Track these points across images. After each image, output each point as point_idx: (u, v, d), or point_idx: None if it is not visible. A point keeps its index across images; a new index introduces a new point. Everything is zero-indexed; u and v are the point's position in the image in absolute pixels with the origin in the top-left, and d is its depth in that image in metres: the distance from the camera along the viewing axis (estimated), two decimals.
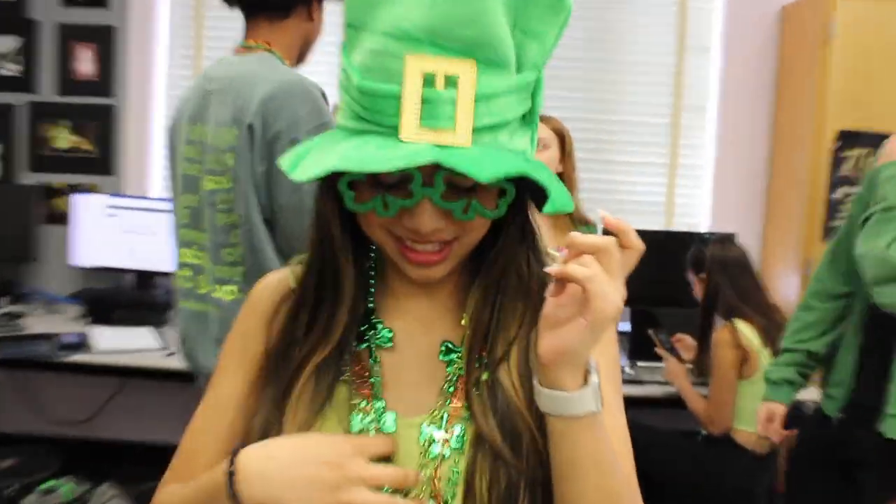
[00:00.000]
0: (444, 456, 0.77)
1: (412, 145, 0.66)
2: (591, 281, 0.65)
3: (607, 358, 0.83)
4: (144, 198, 3.15)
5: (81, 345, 2.61)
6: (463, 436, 0.77)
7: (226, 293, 1.61)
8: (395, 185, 0.71)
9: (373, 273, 0.84)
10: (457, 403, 0.78)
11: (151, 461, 2.70)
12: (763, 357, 2.37)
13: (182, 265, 1.71)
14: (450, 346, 0.81)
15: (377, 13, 0.69)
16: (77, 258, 3.03)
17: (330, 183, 0.75)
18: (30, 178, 3.22)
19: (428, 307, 0.84)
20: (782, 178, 3.07)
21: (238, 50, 1.67)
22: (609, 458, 0.74)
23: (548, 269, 0.69)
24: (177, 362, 2.50)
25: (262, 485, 0.73)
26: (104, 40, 3.17)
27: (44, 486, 2.35)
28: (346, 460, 0.71)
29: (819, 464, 1.90)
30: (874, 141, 2.57)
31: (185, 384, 3.24)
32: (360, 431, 0.78)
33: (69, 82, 3.19)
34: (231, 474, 0.73)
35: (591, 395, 0.70)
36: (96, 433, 3.25)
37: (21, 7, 3.15)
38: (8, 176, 3.21)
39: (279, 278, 0.88)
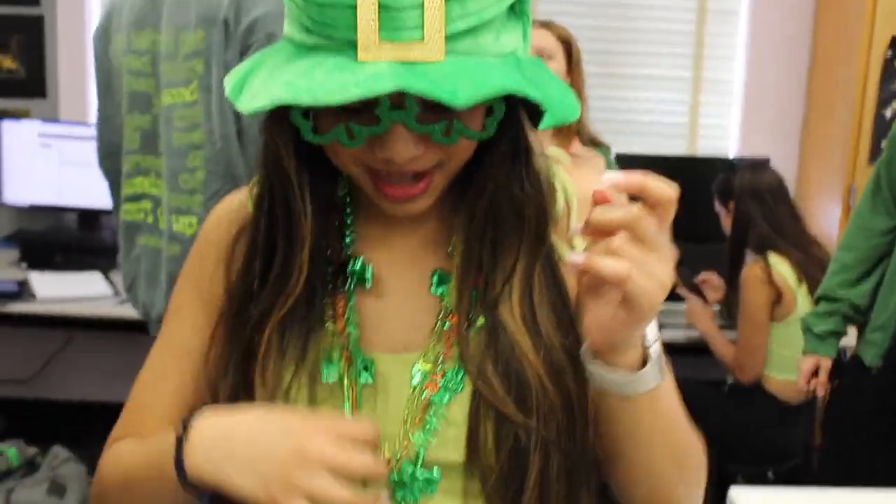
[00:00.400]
0: (445, 400, 0.72)
1: (372, 66, 0.59)
2: (628, 281, 0.58)
3: None
4: (83, 124, 2.88)
5: (21, 293, 2.45)
6: (462, 380, 0.71)
7: (185, 226, 1.56)
8: (359, 109, 0.62)
9: (348, 201, 0.78)
10: (453, 342, 0.73)
11: (104, 421, 2.48)
12: (800, 296, 2.30)
13: (136, 195, 1.65)
14: (442, 274, 0.75)
15: None
16: (8, 196, 2.80)
17: (280, 110, 0.66)
18: None
19: (414, 237, 0.78)
20: (823, 93, 2.92)
21: None
22: (673, 422, 0.72)
23: (569, 260, 0.62)
24: (129, 310, 2.29)
25: (213, 462, 0.68)
26: None
27: None
28: (310, 443, 0.64)
29: (862, 414, 1.86)
30: None
31: (141, 335, 3.03)
32: (338, 385, 0.73)
33: None
34: (180, 442, 0.69)
35: (651, 372, 0.66)
36: (41, 392, 3.09)
37: None
38: None
39: (237, 203, 0.82)
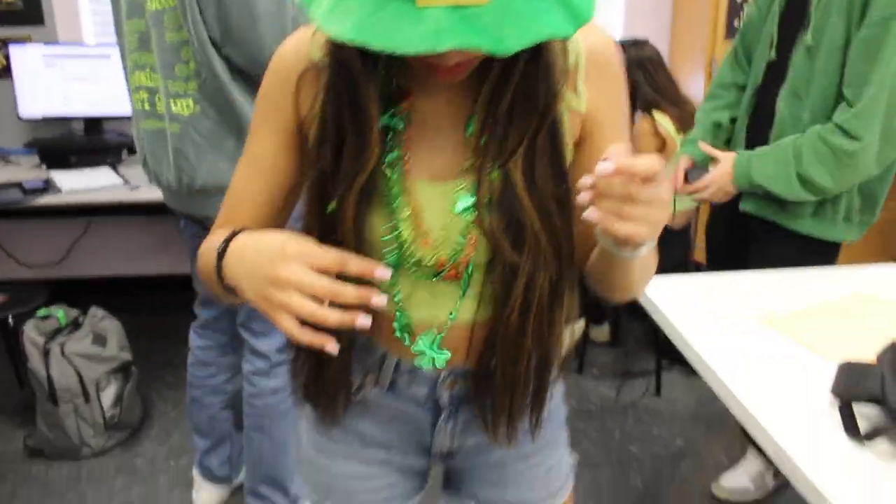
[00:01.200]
0: (465, 221, 0.83)
1: (431, 15, 0.61)
2: (635, 235, 0.69)
3: (618, 105, 0.89)
4: (80, 44, 3.21)
5: (47, 188, 2.72)
6: (484, 211, 0.81)
7: (182, 108, 1.69)
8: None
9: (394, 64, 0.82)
10: (483, 173, 0.81)
11: (125, 290, 3.02)
12: (678, 144, 2.63)
13: (137, 88, 1.80)
14: (475, 120, 0.83)
15: None
16: (23, 110, 3.10)
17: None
18: None
19: (450, 91, 0.84)
20: None
21: None
22: (649, 266, 0.84)
23: (586, 217, 0.70)
24: (142, 195, 2.71)
25: (233, 272, 0.81)
26: None
27: (41, 313, 2.50)
28: (283, 268, 0.72)
29: (730, 224, 2.03)
30: None
31: (149, 217, 3.51)
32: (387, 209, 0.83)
33: None
34: (221, 254, 0.82)
35: (646, 249, 0.76)
36: (70, 273, 3.48)
37: None
38: None
39: (296, 50, 0.87)
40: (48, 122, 3.19)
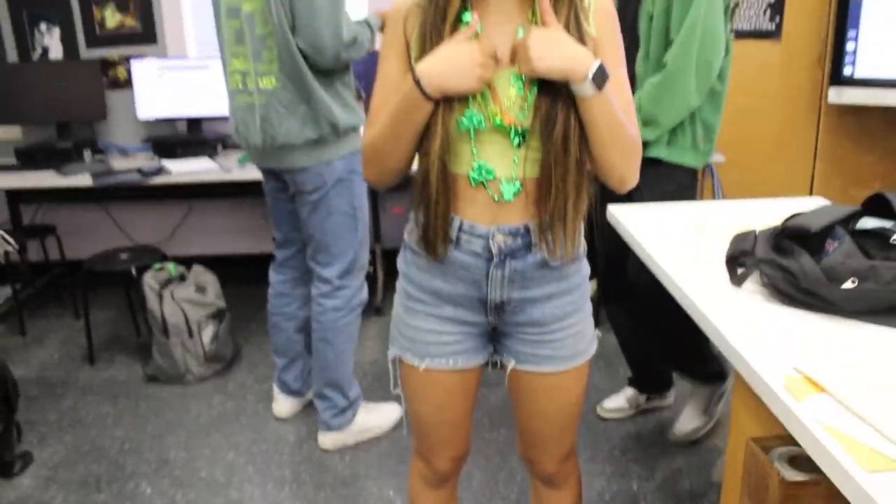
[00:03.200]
0: (520, 87, 1.21)
1: None
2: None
3: (613, 39, 1.27)
4: (184, 58, 3.88)
5: (160, 171, 3.36)
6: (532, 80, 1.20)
7: (267, 83, 2.23)
8: None
9: None
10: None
11: (218, 269, 3.62)
12: None
13: (233, 72, 2.32)
14: (523, 29, 1.21)
15: None
16: (141, 113, 3.77)
17: None
18: (89, 54, 3.94)
19: (504, 7, 1.23)
20: None
21: None
22: (615, 119, 1.20)
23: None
24: (234, 175, 3.32)
25: (437, 74, 1.18)
26: None
27: (156, 266, 3.12)
28: (473, 49, 1.17)
29: None
30: None
31: (238, 200, 4.15)
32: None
33: None
34: (417, 81, 1.18)
35: (588, 87, 1.15)
36: (173, 251, 4.12)
37: None
38: (71, 54, 3.93)
39: (404, 1, 1.28)
40: (159, 122, 3.87)
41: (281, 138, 2.27)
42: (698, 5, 2.02)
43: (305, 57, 2.19)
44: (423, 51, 1.23)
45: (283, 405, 2.80)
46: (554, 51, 1.14)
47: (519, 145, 1.25)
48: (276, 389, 2.81)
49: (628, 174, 1.30)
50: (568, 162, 1.22)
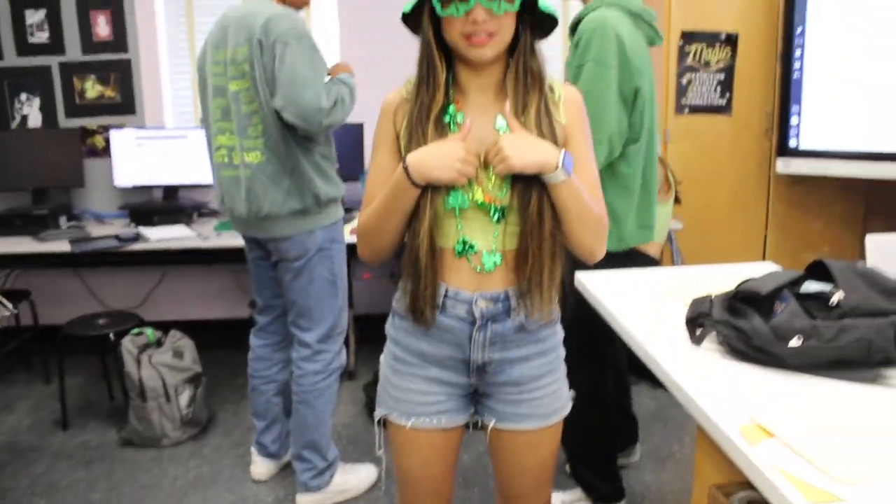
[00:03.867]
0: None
1: None
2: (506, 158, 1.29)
3: (581, 126, 1.42)
4: (161, 128, 3.99)
5: (137, 238, 3.44)
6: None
7: (253, 157, 2.34)
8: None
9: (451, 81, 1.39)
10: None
11: (193, 330, 3.67)
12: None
13: (219, 147, 2.43)
14: (500, 117, 1.38)
15: None
16: (118, 181, 3.86)
17: (429, 13, 1.32)
18: (68, 123, 4.04)
19: (483, 101, 1.39)
20: None
21: None
22: (582, 200, 1.34)
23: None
24: (210, 242, 3.42)
25: (424, 165, 1.30)
26: (116, 6, 3.94)
27: (135, 331, 3.17)
28: (458, 148, 1.30)
29: None
30: (707, 38, 3.53)
31: (213, 267, 4.21)
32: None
33: (91, 43, 3.97)
34: (406, 169, 1.31)
35: (558, 174, 1.29)
36: (147, 317, 4.11)
37: None
38: (50, 123, 4.03)
39: (395, 94, 1.44)
40: (136, 190, 3.95)
41: (266, 209, 2.38)
42: (586, 81, 2.11)
43: (292, 129, 2.31)
44: (411, 141, 1.38)
45: (261, 467, 2.84)
46: (525, 150, 1.29)
47: (498, 221, 1.39)
48: (254, 452, 2.86)
49: (597, 247, 1.44)
50: (543, 233, 1.36)
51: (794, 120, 3.46)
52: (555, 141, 1.36)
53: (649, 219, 2.30)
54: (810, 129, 3.43)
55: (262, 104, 2.29)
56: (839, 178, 3.47)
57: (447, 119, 1.38)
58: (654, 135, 2.30)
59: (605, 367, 2.44)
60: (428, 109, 1.36)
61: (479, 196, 1.37)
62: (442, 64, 1.35)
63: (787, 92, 3.46)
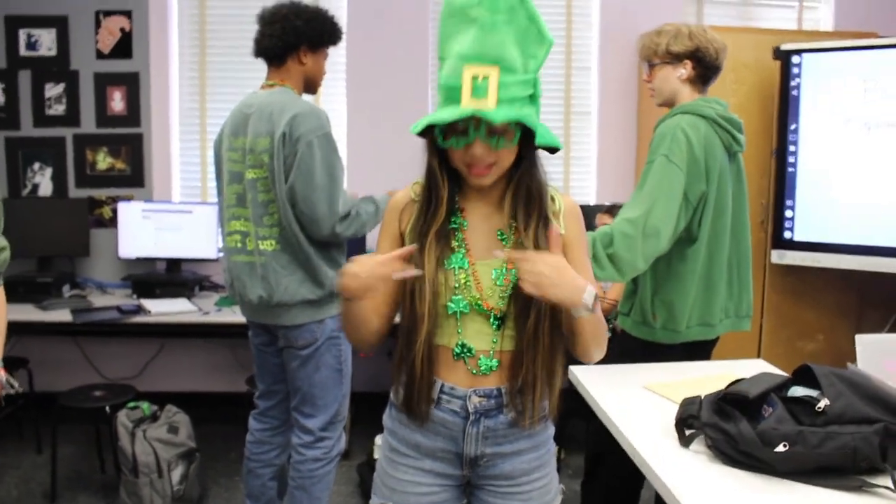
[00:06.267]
0: (500, 280, 1.41)
1: (466, 110, 1.25)
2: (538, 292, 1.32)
3: (580, 236, 1.48)
4: (168, 202, 4.07)
5: (138, 311, 3.47)
6: (511, 273, 1.39)
7: (267, 245, 2.38)
8: (463, 131, 1.31)
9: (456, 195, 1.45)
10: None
11: (189, 407, 3.68)
12: None
13: (232, 233, 2.47)
14: (501, 232, 1.44)
15: (449, 46, 1.32)
16: (123, 252, 3.92)
17: (431, 139, 1.38)
18: (78, 193, 4.12)
19: (486, 211, 1.45)
20: (645, 148, 4.00)
21: (263, 87, 2.46)
22: (599, 326, 1.40)
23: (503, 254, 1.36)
24: (211, 317, 3.45)
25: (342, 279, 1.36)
26: (132, 83, 4.08)
27: (130, 405, 3.18)
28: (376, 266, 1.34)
29: None
30: None
31: (212, 340, 4.21)
32: (455, 266, 1.41)
33: (105, 117, 4.10)
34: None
35: (583, 309, 1.33)
36: (143, 387, 4.09)
37: (64, 60, 4.06)
38: (60, 193, 4.11)
39: (404, 194, 1.51)
40: (140, 261, 4.01)
41: (278, 297, 2.40)
42: (654, 174, 2.19)
43: (302, 227, 2.36)
44: (416, 231, 1.44)
45: None
46: (561, 285, 1.31)
47: (497, 327, 1.44)
48: None
49: (600, 353, 1.49)
50: (538, 348, 1.41)
51: (788, 213, 3.54)
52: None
53: (710, 317, 2.34)
54: (804, 222, 3.51)
55: (277, 195, 2.33)
56: (834, 269, 3.52)
57: (453, 225, 1.44)
58: (732, 237, 2.34)
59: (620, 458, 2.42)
60: (429, 225, 1.42)
61: (479, 302, 1.43)
62: (445, 184, 1.41)
63: (781, 186, 3.54)
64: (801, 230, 3.51)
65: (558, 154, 1.47)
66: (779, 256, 3.58)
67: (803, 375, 1.63)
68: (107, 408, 3.23)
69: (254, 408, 2.78)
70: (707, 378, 2.02)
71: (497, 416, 1.47)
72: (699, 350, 2.37)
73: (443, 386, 1.46)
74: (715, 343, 2.45)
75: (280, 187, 2.31)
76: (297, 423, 2.58)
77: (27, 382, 3.91)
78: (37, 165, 4.11)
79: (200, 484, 3.28)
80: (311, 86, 2.53)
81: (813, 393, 1.55)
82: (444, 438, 1.49)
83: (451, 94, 1.29)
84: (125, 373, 4.21)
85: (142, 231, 3.92)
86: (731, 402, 1.61)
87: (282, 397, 2.68)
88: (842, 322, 3.77)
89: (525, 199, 1.41)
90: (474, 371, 1.45)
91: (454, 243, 1.43)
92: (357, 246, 3.67)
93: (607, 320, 2.37)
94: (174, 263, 3.98)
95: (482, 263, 1.43)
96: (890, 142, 3.29)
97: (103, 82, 4.08)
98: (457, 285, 1.42)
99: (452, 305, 1.43)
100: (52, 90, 4.08)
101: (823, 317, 3.78)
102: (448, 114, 1.28)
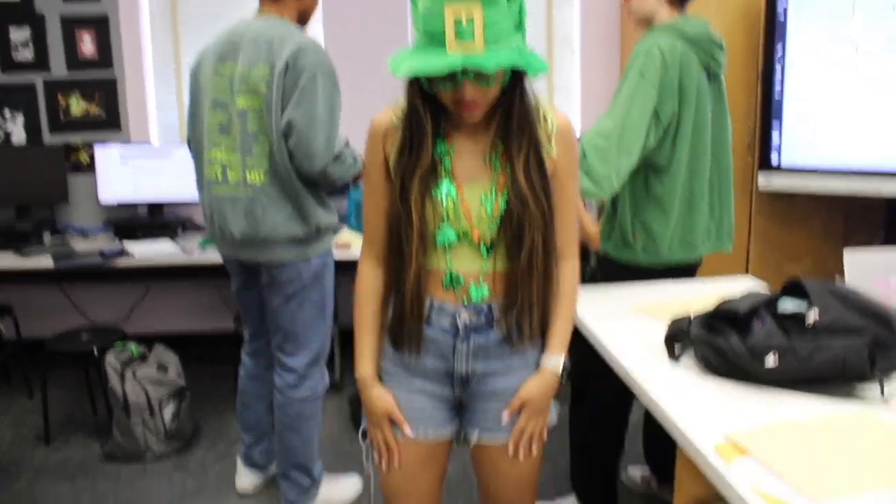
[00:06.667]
0: (489, 206, 1.37)
1: (451, 57, 1.19)
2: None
3: (571, 161, 1.45)
4: (147, 143, 3.99)
5: (122, 253, 3.43)
6: (500, 200, 1.37)
7: (255, 177, 2.29)
8: (450, 76, 1.26)
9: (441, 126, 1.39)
10: (499, 179, 1.37)
11: (177, 348, 3.67)
12: None
13: (212, 161, 2.35)
14: (491, 155, 1.40)
15: None
16: (104, 197, 3.86)
17: (412, 79, 1.33)
18: (53, 140, 4.03)
19: (473, 135, 1.40)
20: None
21: (257, 16, 2.35)
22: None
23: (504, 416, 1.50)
24: (196, 258, 3.42)
25: (364, 399, 1.52)
26: (101, 25, 3.95)
27: (118, 347, 3.16)
28: (384, 430, 1.52)
29: None
30: None
31: (198, 281, 4.20)
32: (442, 194, 1.38)
33: (76, 61, 3.98)
34: (358, 381, 1.52)
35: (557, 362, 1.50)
36: (131, 330, 4.10)
37: (28, 4, 3.91)
38: (34, 140, 4.02)
39: (385, 118, 1.43)
40: (121, 206, 3.95)
41: (264, 232, 2.33)
42: (626, 90, 2.15)
43: (293, 161, 2.28)
44: (402, 185, 1.39)
45: (247, 480, 2.83)
46: (545, 409, 1.53)
47: (488, 256, 1.42)
48: (239, 463, 2.85)
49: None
50: (532, 273, 1.40)
51: (774, 137, 3.51)
52: (543, 183, 1.38)
53: (692, 238, 2.32)
54: (791, 146, 3.48)
55: (271, 125, 2.25)
56: (820, 194, 3.52)
57: (439, 153, 1.40)
58: (713, 157, 2.32)
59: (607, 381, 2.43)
60: (413, 169, 1.38)
61: (467, 232, 1.41)
62: (428, 122, 1.36)
63: (767, 109, 3.50)
64: (788, 154, 3.49)
65: (542, 84, 1.42)
66: (765, 180, 3.55)
67: (792, 290, 1.63)
68: (95, 350, 3.22)
69: (244, 347, 2.76)
70: (696, 299, 2.02)
71: (488, 334, 1.46)
72: (683, 274, 2.37)
73: (432, 303, 1.45)
74: (698, 266, 2.45)
75: (275, 118, 2.24)
76: (279, 363, 2.54)
77: (13, 329, 3.89)
78: (7, 112, 4.00)
79: (192, 421, 3.30)
80: (304, 18, 2.43)
81: (803, 306, 1.55)
82: (434, 357, 1.48)
83: (433, 38, 1.23)
84: (112, 317, 4.20)
85: (121, 175, 3.85)
86: (722, 318, 1.61)
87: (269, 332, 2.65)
88: (828, 245, 3.78)
89: (515, 125, 1.37)
90: (465, 301, 1.44)
91: (440, 171, 1.40)
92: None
93: (586, 259, 2.37)
94: (156, 207, 3.93)
95: (469, 188, 1.40)
96: (878, 63, 3.25)
97: (71, 25, 3.95)
98: (444, 214, 1.39)
99: (440, 237, 1.40)
100: (18, 34, 3.94)
101: (810, 241, 3.78)
102: (434, 64, 1.21)
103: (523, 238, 1.37)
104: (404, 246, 1.40)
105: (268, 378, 2.69)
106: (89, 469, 3.05)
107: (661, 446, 2.62)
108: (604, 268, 2.40)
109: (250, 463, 2.82)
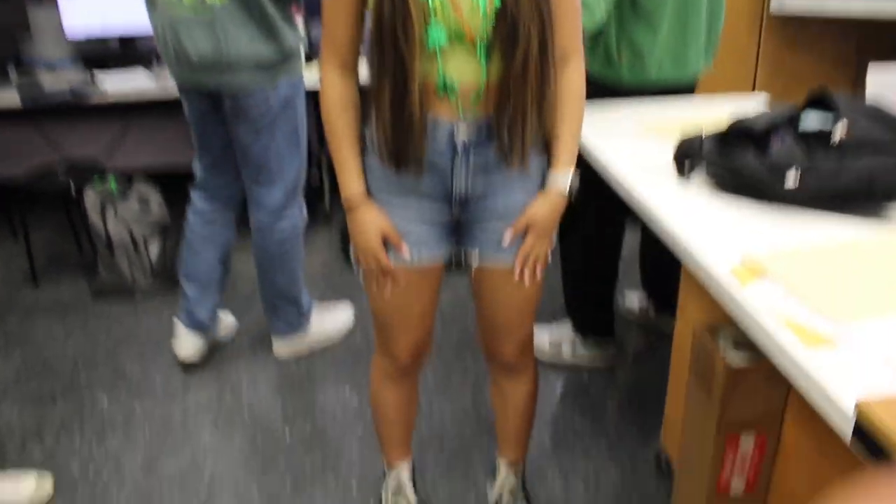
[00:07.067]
0: (483, 6, 1.20)
1: None
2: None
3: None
4: None
5: (93, 83, 3.24)
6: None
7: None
8: None
9: None
10: None
11: (161, 185, 3.55)
12: None
13: None
14: None
15: None
16: (70, 30, 3.58)
17: None
18: None
19: None
20: None
21: None
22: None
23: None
24: (173, 91, 3.14)
25: (351, 231, 1.41)
26: None
27: (97, 186, 3.03)
28: (377, 253, 1.40)
29: None
30: None
31: (179, 112, 4.01)
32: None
33: None
34: (346, 202, 1.40)
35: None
36: (115, 163, 4.00)
37: None
38: None
39: None
40: (91, 42, 3.69)
41: (225, 53, 2.13)
42: None
43: None
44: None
45: (189, 344, 2.57)
46: (551, 229, 1.43)
47: (485, 64, 1.26)
48: (179, 326, 2.58)
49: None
50: (527, 76, 1.24)
51: None
52: None
53: (685, 53, 2.14)
54: None
55: None
56: (833, 19, 3.30)
57: None
58: None
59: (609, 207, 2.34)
60: None
61: (459, 29, 1.23)
62: None
63: None
64: None
65: None
66: (778, 2, 3.32)
67: (816, 104, 1.49)
68: (72, 188, 3.09)
69: (196, 185, 2.51)
70: (707, 118, 1.90)
71: (488, 151, 1.34)
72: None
73: (427, 119, 1.30)
74: (692, 88, 2.28)
75: None
76: (254, 199, 2.39)
77: None
78: None
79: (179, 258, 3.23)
80: None
81: (828, 122, 1.42)
82: (431, 176, 1.36)
83: None
84: (91, 151, 4.04)
85: (87, 5, 3.55)
86: (737, 136, 1.48)
87: (229, 167, 2.45)
88: (836, 70, 3.60)
89: None
90: (462, 115, 1.30)
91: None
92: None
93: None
94: (128, 41, 3.67)
95: None
96: None
97: None
98: (432, 9, 1.21)
99: (430, 39, 1.23)
100: None
101: (818, 65, 3.60)
102: None
103: (518, 36, 1.21)
104: (403, 52, 1.21)
105: (222, 221, 2.51)
106: (80, 308, 3.02)
107: (662, 272, 2.59)
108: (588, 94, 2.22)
109: (193, 323, 2.56)
